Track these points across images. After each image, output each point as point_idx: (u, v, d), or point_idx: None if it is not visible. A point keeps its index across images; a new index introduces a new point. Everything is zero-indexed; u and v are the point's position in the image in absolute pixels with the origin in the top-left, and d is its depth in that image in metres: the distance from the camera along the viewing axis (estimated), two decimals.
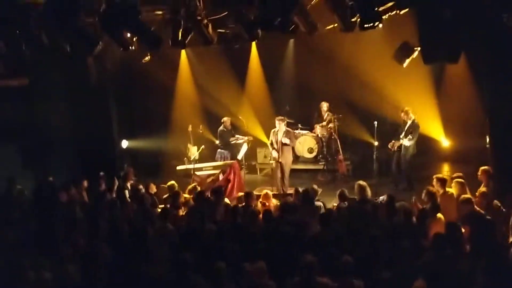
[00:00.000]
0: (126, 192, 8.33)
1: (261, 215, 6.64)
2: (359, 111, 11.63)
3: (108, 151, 10.60)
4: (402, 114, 10.03)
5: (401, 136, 9.91)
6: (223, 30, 8.91)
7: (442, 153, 11.48)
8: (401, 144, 9.91)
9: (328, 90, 11.96)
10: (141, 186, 8.61)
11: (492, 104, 7.94)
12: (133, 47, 8.14)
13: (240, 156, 10.71)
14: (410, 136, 9.77)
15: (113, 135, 10.94)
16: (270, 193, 8.00)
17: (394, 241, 5.44)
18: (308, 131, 12.18)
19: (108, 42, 8.13)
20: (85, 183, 8.41)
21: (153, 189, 8.57)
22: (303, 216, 6.60)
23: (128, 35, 7.97)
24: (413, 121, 9.84)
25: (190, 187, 8.56)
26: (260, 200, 7.71)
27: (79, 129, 10.32)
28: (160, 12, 8.17)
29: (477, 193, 6.81)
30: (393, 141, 10.05)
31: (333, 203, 7.51)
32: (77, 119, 10.32)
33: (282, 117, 10.13)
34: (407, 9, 6.60)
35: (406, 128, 9.88)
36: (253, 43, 11.78)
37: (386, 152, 10.36)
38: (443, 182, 7.21)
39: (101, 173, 8.76)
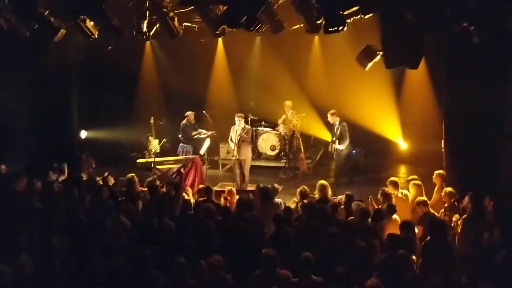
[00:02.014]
0: (82, 182, 8.16)
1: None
2: (321, 111, 11.78)
3: (66, 141, 10.35)
4: (329, 117, 10.08)
5: (333, 139, 9.95)
6: (189, 24, 8.87)
7: (400, 155, 11.79)
8: (337, 149, 9.95)
9: (292, 89, 12.05)
10: (98, 178, 8.48)
11: (448, 108, 8.22)
12: (95, 36, 7.96)
13: (202, 151, 10.67)
14: (341, 140, 9.85)
15: (72, 124, 10.69)
16: (234, 189, 8.02)
17: (350, 240, 5.56)
18: (271, 129, 12.26)
19: (71, 29, 7.92)
20: (41, 173, 8.18)
21: (111, 181, 8.43)
22: (262, 213, 6.64)
23: (91, 23, 7.79)
24: (340, 123, 9.93)
25: (148, 180, 8.47)
26: (224, 195, 7.72)
27: (39, 117, 10.03)
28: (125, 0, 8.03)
29: (443, 193, 7.03)
30: (330, 144, 10.14)
31: (294, 199, 7.59)
32: (37, 107, 10.02)
33: (241, 114, 10.18)
34: (371, 14, 6.72)
35: (335, 131, 9.94)
36: (220, 38, 11.73)
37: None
38: (395, 184, 7.42)
39: (54, 164, 8.54)
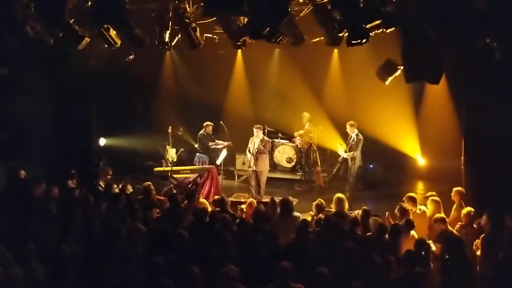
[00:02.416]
0: (100, 190, 8.23)
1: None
2: (338, 124, 11.73)
3: (85, 148, 10.46)
4: (348, 127, 10.07)
5: (344, 150, 9.99)
6: (211, 35, 8.95)
7: (418, 171, 11.66)
8: (344, 158, 9.96)
9: (310, 102, 12.04)
10: (115, 186, 8.52)
11: (468, 125, 8.12)
12: (118, 45, 8.07)
13: (219, 161, 10.69)
14: (352, 152, 9.81)
15: (91, 132, 10.81)
16: (255, 202, 7.98)
17: (367, 255, 5.49)
18: (287, 141, 12.24)
19: (93, 38, 8.05)
20: (60, 179, 8.27)
21: (129, 189, 8.48)
22: (280, 226, 6.60)
23: (114, 32, 7.90)
24: (356, 135, 9.91)
25: (165, 189, 8.50)
26: (240, 207, 7.71)
27: (58, 123, 10.16)
28: (148, 11, 8.14)
29: (453, 212, 6.92)
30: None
31: (310, 212, 7.53)
32: (57, 114, 10.17)
33: (260, 125, 10.18)
34: (393, 28, 6.70)
35: (349, 142, 9.96)
36: (239, 50, 11.81)
37: (363, 166, 10.43)
38: (413, 200, 7.32)
39: (73, 171, 8.63)
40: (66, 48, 8.66)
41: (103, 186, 8.80)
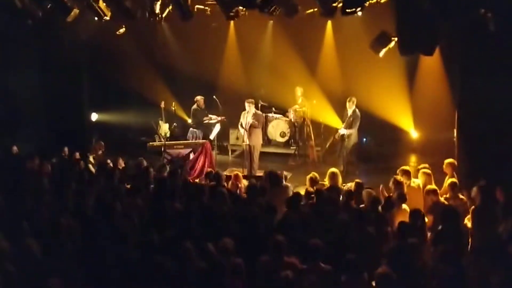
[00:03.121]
0: (91, 165, 8.21)
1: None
2: (332, 98, 11.70)
3: (77, 123, 10.38)
4: (348, 102, 9.87)
5: (342, 126, 9.89)
6: (202, 6, 8.81)
7: (411, 144, 11.70)
8: (342, 134, 9.85)
9: (304, 75, 11.96)
10: (109, 161, 8.50)
11: (462, 98, 8.11)
12: (108, 17, 7.92)
13: (212, 136, 10.66)
14: (349, 126, 9.74)
15: (83, 107, 10.71)
16: (240, 174, 8.02)
17: (361, 227, 5.54)
18: (281, 115, 12.20)
19: (82, 10, 7.90)
20: (52, 155, 8.23)
21: (122, 164, 8.46)
22: (271, 198, 6.63)
23: (104, 4, 7.75)
24: (354, 111, 9.74)
25: (159, 164, 8.49)
26: (232, 180, 7.72)
27: (50, 99, 10.05)
28: None
29: (445, 184, 6.97)
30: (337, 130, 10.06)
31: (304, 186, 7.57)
32: (48, 89, 10.04)
33: (252, 100, 10.10)
34: None
35: (347, 117, 9.82)
36: (232, 22, 11.66)
37: (358, 142, 10.39)
38: (407, 174, 7.36)
39: (65, 148, 8.57)
40: (55, 21, 8.49)
41: (92, 161, 8.77)
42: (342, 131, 9.86)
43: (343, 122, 10.00)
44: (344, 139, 9.91)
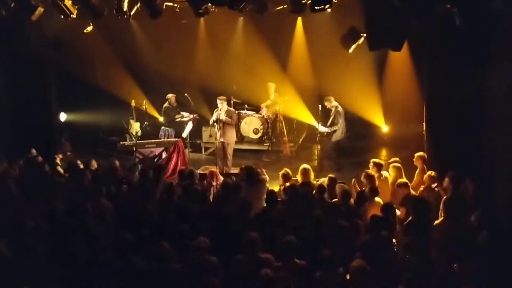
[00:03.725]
0: (59, 166, 8.03)
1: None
2: (304, 94, 11.76)
3: (45, 124, 10.13)
4: (326, 103, 10.02)
5: (327, 124, 9.97)
6: (171, 4, 8.71)
7: (381, 138, 11.87)
8: (324, 132, 9.97)
9: (275, 72, 11.98)
10: (79, 162, 8.33)
11: (430, 92, 8.26)
12: (74, 15, 7.75)
13: (185, 134, 10.57)
14: (333, 126, 9.87)
15: (51, 107, 10.45)
16: (217, 170, 7.99)
17: (334, 222, 5.59)
18: (254, 112, 12.21)
19: (47, 8, 7.70)
20: (19, 157, 8.01)
21: (94, 165, 8.31)
22: (247, 194, 6.63)
23: (70, 1, 7.58)
24: (335, 108, 9.91)
25: (130, 164, 8.37)
26: (207, 178, 7.68)
27: (16, 99, 9.76)
28: None
29: (425, 176, 7.10)
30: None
31: (278, 183, 7.59)
32: (14, 89, 9.75)
33: (224, 97, 10.06)
34: None
35: (332, 116, 9.96)
36: (201, 19, 11.58)
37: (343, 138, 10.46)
38: (379, 166, 7.49)
39: (32, 150, 8.35)
40: (20, 20, 8.25)
41: (59, 162, 8.59)
42: (323, 128, 9.92)
43: (321, 119, 10.00)
44: (329, 137, 9.94)
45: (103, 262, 4.82)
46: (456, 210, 5.99)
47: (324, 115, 10.23)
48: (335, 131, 9.97)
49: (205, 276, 4.46)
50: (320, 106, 9.96)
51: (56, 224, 5.57)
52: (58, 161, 8.63)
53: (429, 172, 7.10)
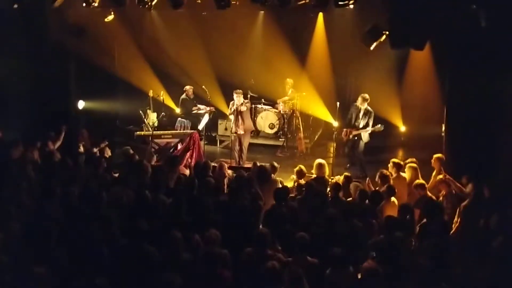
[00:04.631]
0: (79, 154, 8.10)
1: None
2: (321, 90, 11.67)
3: (64, 111, 10.22)
4: (360, 100, 9.60)
5: (358, 125, 9.59)
6: None
7: (399, 138, 11.74)
8: (359, 134, 9.61)
9: (294, 67, 11.92)
10: (95, 149, 8.39)
11: (451, 94, 8.15)
12: (96, 3, 7.78)
13: (200, 126, 10.59)
14: (369, 127, 9.51)
15: (70, 94, 10.54)
16: (226, 164, 7.98)
17: (348, 220, 5.55)
18: (270, 107, 12.17)
19: None
20: (38, 143, 8.08)
21: (108, 153, 8.37)
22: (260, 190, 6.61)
23: None
24: (366, 109, 9.55)
25: (147, 154, 8.41)
26: (217, 170, 7.68)
27: (36, 86, 9.87)
28: None
29: (433, 178, 7.00)
30: (344, 129, 9.78)
31: (292, 177, 7.55)
32: (35, 76, 9.85)
33: (240, 90, 10.03)
34: None
35: (361, 115, 9.57)
36: (222, 11, 11.54)
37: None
38: (398, 166, 7.41)
39: (52, 133, 8.44)
40: (42, 7, 8.31)
41: (82, 149, 8.66)
42: (364, 134, 9.50)
43: (355, 119, 9.64)
44: (355, 140, 9.68)
45: (117, 249, 4.85)
46: (474, 215, 5.90)
47: (342, 114, 10.10)
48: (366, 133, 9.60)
49: (216, 268, 4.46)
50: (338, 104, 9.85)
51: (71, 211, 5.63)
52: (81, 148, 8.70)
53: (439, 176, 6.98)
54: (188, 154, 9.66)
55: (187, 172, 8.02)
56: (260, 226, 5.50)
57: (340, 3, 6.41)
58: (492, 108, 7.47)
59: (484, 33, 6.73)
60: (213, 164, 8.72)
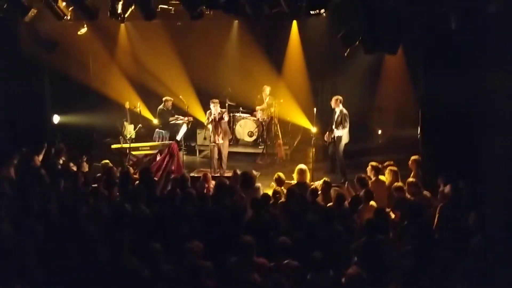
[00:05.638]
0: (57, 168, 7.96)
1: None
2: (299, 97, 11.75)
3: (39, 126, 10.05)
4: (332, 103, 9.74)
5: (333, 127, 9.72)
6: (166, 6, 8.68)
7: (376, 141, 11.87)
8: (334, 135, 9.72)
9: (270, 75, 11.98)
10: (71, 164, 8.27)
11: (425, 96, 8.27)
12: (68, 17, 7.71)
13: (179, 137, 10.52)
14: (341, 126, 9.59)
15: (45, 109, 10.38)
16: (209, 174, 7.96)
17: (329, 225, 5.57)
18: (249, 115, 12.18)
19: (42, 9, 7.65)
20: (14, 159, 7.92)
21: (85, 168, 8.25)
22: (241, 198, 6.59)
23: (64, 3, 7.54)
24: (341, 111, 9.61)
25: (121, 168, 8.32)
26: (200, 181, 7.65)
27: (9, 100, 9.69)
28: None
29: (406, 183, 7.08)
30: (327, 132, 9.92)
31: (272, 184, 7.56)
32: (7, 90, 9.68)
33: (216, 100, 10.06)
34: None
35: (336, 117, 9.66)
36: (197, 21, 11.54)
37: (323, 139, 10.49)
38: (376, 169, 7.48)
39: (24, 149, 8.26)
40: (14, 20, 8.19)
41: (59, 165, 8.51)
42: (338, 132, 9.60)
43: (332, 122, 9.73)
44: (335, 141, 9.74)
45: (96, 263, 4.77)
46: (453, 215, 5.98)
47: (319, 118, 10.18)
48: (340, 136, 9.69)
49: (199, 279, 4.42)
50: (315, 109, 9.93)
51: (49, 226, 5.52)
52: (60, 163, 8.55)
53: (409, 180, 7.04)
54: (167, 165, 9.59)
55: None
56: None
57: (311, 12, 6.47)
58: (466, 109, 7.60)
59: (455, 35, 6.86)
60: (193, 174, 8.70)
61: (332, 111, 9.80)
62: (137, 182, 7.25)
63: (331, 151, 10.14)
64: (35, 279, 4.52)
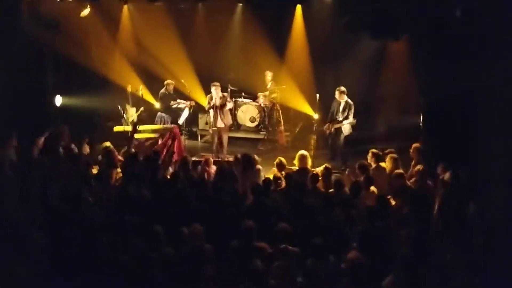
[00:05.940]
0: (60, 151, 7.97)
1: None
2: (301, 83, 11.69)
3: (41, 108, 10.04)
4: (337, 95, 9.64)
5: (339, 119, 9.62)
6: None
7: (378, 128, 11.84)
8: (339, 127, 9.65)
9: (274, 60, 11.91)
10: (73, 146, 8.27)
11: (427, 85, 8.26)
12: None
13: (181, 121, 10.52)
14: (350, 119, 9.52)
15: (47, 90, 10.35)
16: (211, 159, 7.98)
17: (329, 211, 5.60)
18: (251, 100, 12.15)
19: None
20: (14, 141, 7.92)
21: (86, 150, 8.26)
22: (243, 181, 6.62)
23: None
24: (346, 102, 9.56)
25: (123, 150, 8.34)
26: (202, 165, 7.66)
27: (10, 82, 9.66)
28: None
29: (414, 170, 7.08)
30: (327, 123, 9.84)
31: (274, 169, 7.57)
32: (9, 71, 9.64)
33: (217, 83, 9.99)
34: None
35: (341, 109, 9.58)
36: (200, 4, 11.48)
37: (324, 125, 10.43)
38: (377, 156, 7.49)
39: (14, 133, 8.22)
40: (15, 1, 8.12)
41: (61, 147, 8.52)
42: (346, 122, 9.49)
43: (335, 113, 9.64)
44: (336, 133, 9.70)
45: (100, 247, 4.81)
46: (454, 203, 6.00)
47: (322, 106, 10.14)
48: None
49: (199, 263, 4.46)
50: (318, 96, 9.90)
51: (50, 210, 5.55)
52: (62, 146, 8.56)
53: (418, 167, 7.07)
54: (167, 148, 9.60)
55: (170, 169, 7.97)
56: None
57: None
58: (468, 97, 7.60)
59: (459, 23, 6.82)
60: (195, 158, 8.71)
61: (336, 102, 9.70)
62: (140, 165, 7.27)
63: (330, 142, 10.09)
64: (38, 262, 4.55)
